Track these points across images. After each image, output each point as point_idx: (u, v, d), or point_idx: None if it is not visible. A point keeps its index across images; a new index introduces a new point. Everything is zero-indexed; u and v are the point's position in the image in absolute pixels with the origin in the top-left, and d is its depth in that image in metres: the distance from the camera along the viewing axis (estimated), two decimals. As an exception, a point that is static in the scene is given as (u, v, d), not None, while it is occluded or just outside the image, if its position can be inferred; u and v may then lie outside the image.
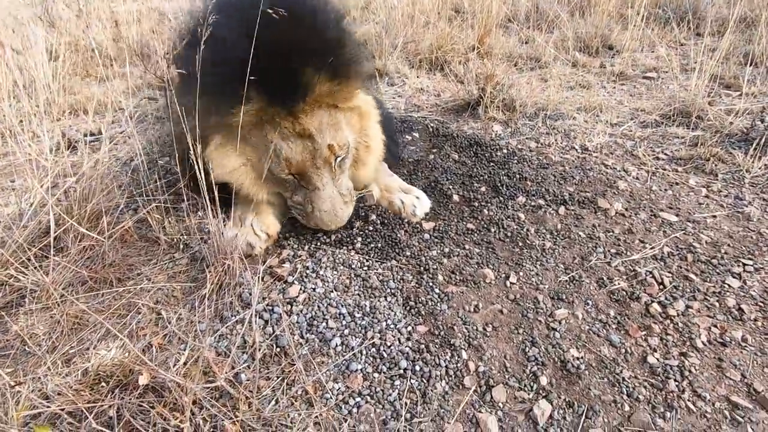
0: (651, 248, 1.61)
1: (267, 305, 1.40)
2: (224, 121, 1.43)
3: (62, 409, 1.02)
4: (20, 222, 1.62)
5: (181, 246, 1.71)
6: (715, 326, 1.31)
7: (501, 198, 1.96)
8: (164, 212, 1.86)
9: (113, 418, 0.99)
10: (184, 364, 1.18)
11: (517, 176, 2.11)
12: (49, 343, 1.32)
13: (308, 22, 1.44)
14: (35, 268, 1.43)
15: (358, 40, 1.79)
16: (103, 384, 1.11)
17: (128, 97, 3.65)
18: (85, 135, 2.95)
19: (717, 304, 1.39)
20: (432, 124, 2.76)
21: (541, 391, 1.15)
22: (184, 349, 1.25)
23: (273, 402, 1.12)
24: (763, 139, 2.13)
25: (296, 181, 1.55)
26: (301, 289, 1.46)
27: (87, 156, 2.00)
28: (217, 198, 1.48)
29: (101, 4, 7.87)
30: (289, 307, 1.40)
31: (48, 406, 1.04)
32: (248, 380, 1.15)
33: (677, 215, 1.81)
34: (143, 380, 1.01)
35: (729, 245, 1.64)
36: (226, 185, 1.59)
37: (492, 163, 2.26)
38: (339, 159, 1.54)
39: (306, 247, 1.68)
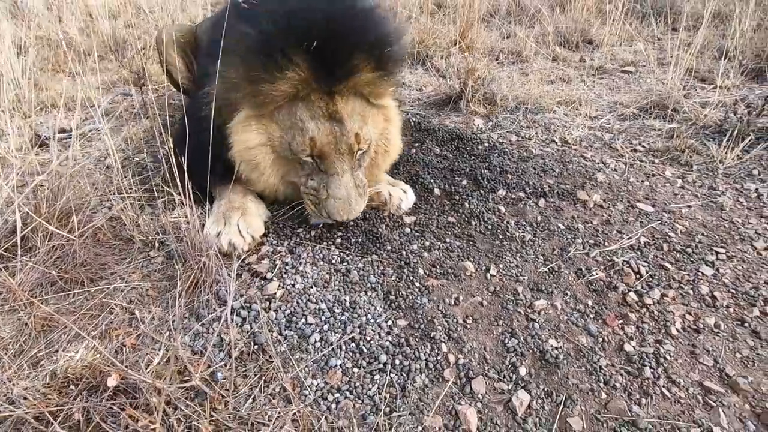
0: (628, 238, 1.64)
1: (245, 302, 1.37)
2: (259, 90, 1.43)
3: (28, 413, 0.98)
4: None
5: (157, 244, 1.67)
6: (689, 314, 1.34)
7: (482, 191, 1.96)
8: (139, 210, 1.81)
9: (80, 421, 0.96)
10: (158, 363, 1.16)
11: (498, 169, 2.11)
12: (17, 346, 1.27)
13: (368, 11, 1.53)
14: (8, 268, 1.37)
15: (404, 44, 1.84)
16: (72, 387, 1.07)
17: (101, 93, 3.55)
18: (57, 132, 2.86)
19: (691, 292, 1.41)
20: (414, 119, 2.75)
21: (520, 382, 1.15)
22: (158, 349, 1.22)
23: (250, 400, 1.10)
24: (736, 131, 2.18)
25: (315, 164, 1.53)
26: (279, 285, 1.44)
27: (56, 153, 1.93)
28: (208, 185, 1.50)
29: (74, -4, 7.63)
30: (268, 303, 1.38)
31: (13, 411, 1.00)
32: (224, 379, 1.13)
33: (653, 206, 1.84)
34: (112, 381, 0.98)
35: (703, 234, 1.67)
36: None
37: (473, 157, 2.26)
38: (361, 152, 1.56)
39: (286, 243, 1.65)
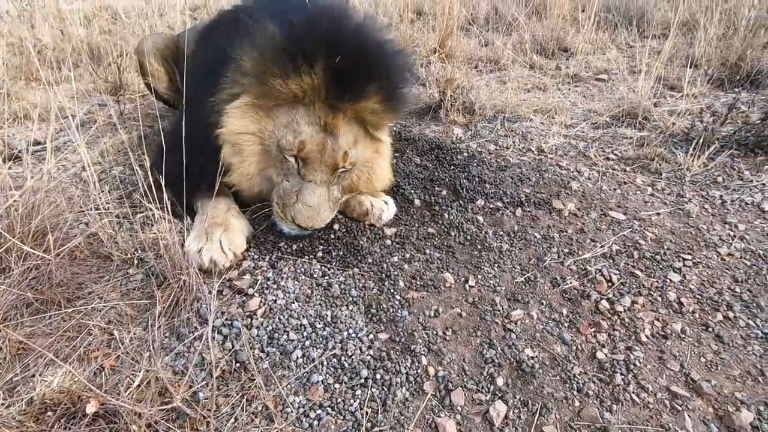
0: (601, 247, 1.70)
1: (226, 320, 1.37)
2: (267, 83, 1.47)
3: (3, 443, 0.97)
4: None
5: (136, 261, 1.65)
6: (658, 320, 1.40)
7: (461, 201, 2.00)
8: (117, 226, 1.79)
9: (59, 450, 0.95)
10: (138, 386, 1.15)
11: (477, 179, 2.16)
12: (-9, 371, 1.24)
13: (393, 45, 1.63)
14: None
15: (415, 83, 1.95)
16: (50, 413, 1.06)
17: (76, 103, 3.48)
18: (30, 144, 2.79)
19: (659, 299, 1.48)
20: (395, 128, 2.78)
21: (497, 392, 1.19)
22: (138, 371, 1.21)
23: (232, 420, 1.10)
24: (702, 139, 2.28)
25: (297, 166, 1.57)
26: (261, 301, 1.44)
27: (30, 168, 1.90)
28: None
29: (47, 1, 7.45)
30: (249, 320, 1.38)
31: (-12, 441, 0.99)
32: (206, 399, 1.13)
33: (625, 214, 1.91)
34: (91, 408, 0.97)
35: (671, 241, 1.74)
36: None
37: (453, 167, 2.31)
38: (343, 170, 1.60)
39: (267, 258, 1.66)
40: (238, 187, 1.74)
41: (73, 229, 1.77)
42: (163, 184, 1.68)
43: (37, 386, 1.16)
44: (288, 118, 1.53)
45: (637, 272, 1.58)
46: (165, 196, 1.55)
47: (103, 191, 1.91)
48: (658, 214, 1.91)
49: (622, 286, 1.52)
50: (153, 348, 1.26)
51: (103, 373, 1.22)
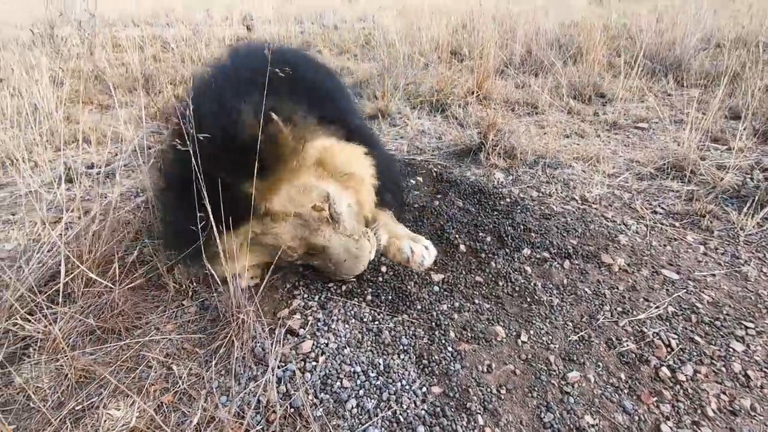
0: (656, 307, 1.65)
1: (280, 362, 1.38)
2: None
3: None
4: (26, 264, 1.59)
5: (190, 293, 1.70)
6: (724, 393, 1.34)
7: (507, 249, 1.99)
8: (171, 256, 1.85)
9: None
10: (197, 426, 1.16)
11: (522, 227, 2.16)
12: (55, 398, 1.28)
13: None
14: (44, 316, 1.40)
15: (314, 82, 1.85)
16: (115, 450, 1.08)
17: (130, 128, 3.66)
18: (88, 167, 2.94)
19: (724, 370, 1.42)
20: (435, 169, 2.83)
21: (558, 461, 1.15)
22: (196, 410, 1.23)
23: (289, 470, 1.10)
24: (756, 198, 2.23)
25: (308, 253, 1.63)
26: (314, 344, 1.45)
27: (98, 195, 1.99)
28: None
29: (104, 29, 7.98)
30: (303, 363, 1.39)
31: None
32: (263, 446, 1.13)
33: (678, 273, 1.86)
34: (162, 451, 0.98)
35: (730, 306, 1.69)
36: None
37: (496, 212, 2.31)
38: (328, 211, 1.59)
39: (317, 298, 1.68)
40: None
41: (129, 256, 1.84)
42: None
43: (101, 420, 1.18)
44: (264, 242, 1.58)
45: (697, 338, 1.53)
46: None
47: (157, 217, 1.98)
48: (714, 275, 1.85)
49: (682, 353, 1.47)
50: (212, 387, 1.28)
51: (162, 409, 1.24)
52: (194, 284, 1.72)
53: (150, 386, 1.31)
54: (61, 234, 1.52)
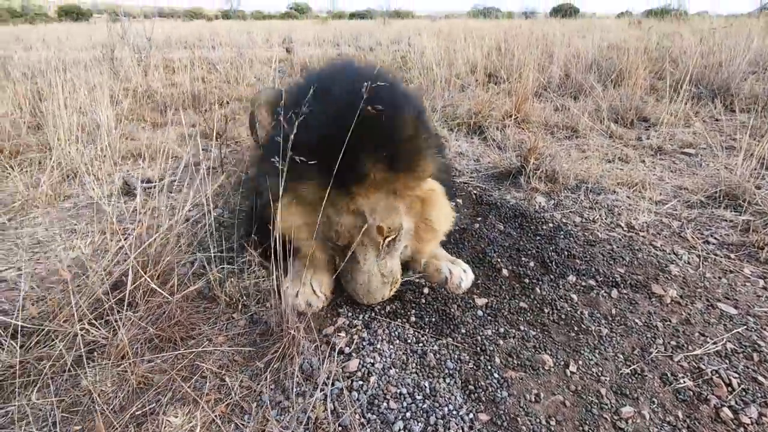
0: (713, 343, 1.58)
1: (327, 378, 1.41)
2: (295, 186, 1.57)
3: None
4: (93, 273, 1.70)
5: (240, 306, 1.76)
6: (794, 440, 1.26)
7: (551, 276, 1.96)
8: (223, 269, 1.93)
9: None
10: (250, 439, 1.20)
11: (565, 253, 2.12)
12: (117, 402, 1.35)
13: (375, 117, 1.49)
14: (114, 322, 1.49)
15: (433, 132, 1.92)
16: (175, 456, 1.13)
17: (181, 144, 3.87)
18: (142, 181, 3.12)
19: (792, 414, 1.33)
20: (475, 191, 2.83)
21: (614, 501, 1.10)
22: (248, 422, 1.26)
23: (339, 489, 1.11)
24: (818, 231, 2.11)
25: (342, 252, 1.65)
26: (360, 363, 1.47)
27: (165, 208, 2.11)
28: (280, 255, 1.55)
29: (155, 51, 8.52)
30: (350, 382, 1.41)
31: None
32: (314, 462, 1.15)
33: (736, 307, 1.78)
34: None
35: (795, 345, 1.59)
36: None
37: (538, 237, 2.29)
38: (388, 239, 1.63)
39: (361, 317, 1.70)
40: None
41: (184, 268, 1.94)
42: (255, 228, 1.84)
43: (161, 425, 1.23)
44: (324, 210, 1.58)
45: (760, 378, 1.45)
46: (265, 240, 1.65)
47: (210, 232, 2.08)
48: (775, 311, 1.76)
49: (744, 393, 1.40)
50: (264, 401, 1.31)
51: (216, 419, 1.28)
52: (244, 298, 1.78)
53: (205, 396, 1.36)
54: (131, 244, 1.62)
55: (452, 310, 1.73)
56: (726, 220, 2.44)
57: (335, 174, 1.47)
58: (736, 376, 1.45)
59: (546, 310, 1.75)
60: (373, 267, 1.64)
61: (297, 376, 1.42)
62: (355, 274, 1.65)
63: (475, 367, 1.48)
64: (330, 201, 1.56)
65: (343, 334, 1.62)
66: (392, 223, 1.62)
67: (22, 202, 2.67)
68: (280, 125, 1.49)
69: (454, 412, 1.32)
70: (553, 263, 2.04)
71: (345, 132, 1.43)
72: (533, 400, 1.37)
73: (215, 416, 1.28)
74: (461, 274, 1.86)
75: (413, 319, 1.69)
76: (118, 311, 1.55)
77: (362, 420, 1.29)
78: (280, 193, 1.50)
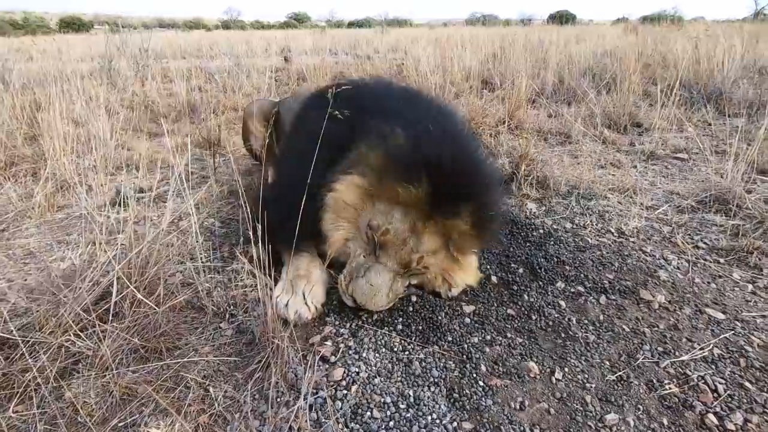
0: (700, 349, 1.57)
1: (312, 388, 1.40)
2: (379, 180, 1.66)
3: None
4: (80, 284, 1.71)
5: (227, 316, 1.76)
6: (779, 446, 1.25)
7: (540, 282, 1.96)
8: (210, 279, 1.93)
9: None
10: (232, 450, 1.19)
11: (555, 259, 2.12)
12: (100, 413, 1.34)
13: (489, 167, 1.79)
14: (97, 333, 1.49)
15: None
16: (155, 468, 1.12)
17: (176, 154, 3.89)
18: (136, 191, 3.14)
19: (778, 420, 1.32)
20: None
21: None
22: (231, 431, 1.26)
23: (319, 500, 1.10)
24: (807, 235, 2.11)
25: (375, 246, 1.66)
26: (345, 372, 1.47)
27: (147, 219, 2.12)
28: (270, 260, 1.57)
29: (153, 61, 8.59)
30: (334, 391, 1.40)
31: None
32: (294, 473, 1.14)
33: (724, 312, 1.77)
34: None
35: (783, 350, 1.58)
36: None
37: (528, 243, 2.29)
38: (415, 271, 1.68)
39: (348, 325, 1.70)
40: (322, 246, 1.85)
41: (172, 277, 1.94)
42: (260, 232, 1.83)
43: (142, 438, 1.23)
44: (386, 208, 1.66)
45: (747, 384, 1.44)
46: (255, 249, 1.64)
47: (197, 241, 2.08)
48: (764, 316, 1.75)
49: (730, 399, 1.39)
50: (247, 411, 1.31)
51: (198, 430, 1.28)
52: (231, 307, 1.78)
53: (188, 407, 1.35)
54: (116, 255, 1.63)
55: (439, 317, 1.73)
56: (716, 225, 2.44)
57: (435, 198, 1.60)
58: (722, 382, 1.45)
59: (534, 317, 1.75)
60: (390, 278, 1.64)
61: (280, 386, 1.41)
62: (371, 272, 1.63)
63: (460, 375, 1.48)
64: (404, 207, 1.65)
65: (329, 342, 1.62)
66: (431, 262, 1.70)
67: (15, 213, 2.68)
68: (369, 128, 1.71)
69: (438, 421, 1.31)
70: (543, 270, 2.04)
71: (467, 165, 1.65)
72: (518, 408, 1.37)
73: (197, 427, 1.27)
74: None
75: (400, 327, 1.69)
76: (103, 322, 1.55)
77: (345, 430, 1.29)
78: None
